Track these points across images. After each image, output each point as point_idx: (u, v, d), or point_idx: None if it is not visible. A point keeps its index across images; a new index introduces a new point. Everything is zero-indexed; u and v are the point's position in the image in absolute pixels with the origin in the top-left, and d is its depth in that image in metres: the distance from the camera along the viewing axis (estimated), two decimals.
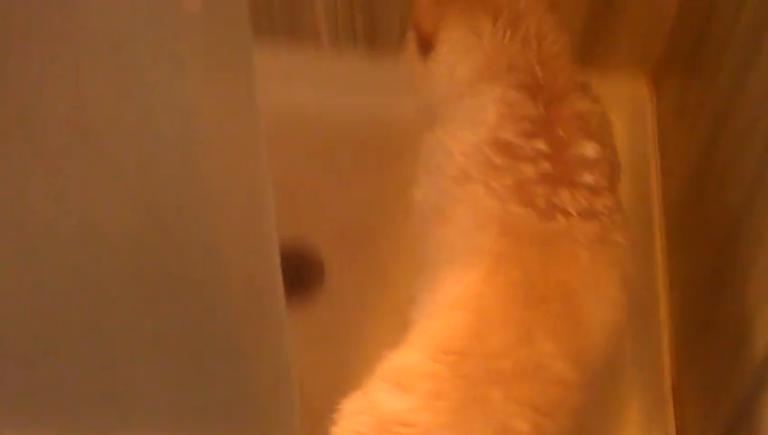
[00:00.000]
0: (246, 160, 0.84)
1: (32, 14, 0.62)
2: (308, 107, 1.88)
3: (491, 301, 1.00)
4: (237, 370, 1.06)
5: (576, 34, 1.86)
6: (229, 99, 0.76)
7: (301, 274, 1.72)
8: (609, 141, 1.20)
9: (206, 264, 0.89)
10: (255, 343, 1.04)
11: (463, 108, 1.17)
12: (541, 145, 1.08)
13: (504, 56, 1.15)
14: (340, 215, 1.69)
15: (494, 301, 1.00)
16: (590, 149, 1.11)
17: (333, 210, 1.70)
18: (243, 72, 0.75)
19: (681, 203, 1.61)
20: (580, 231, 1.06)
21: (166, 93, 0.69)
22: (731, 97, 1.37)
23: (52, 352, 0.99)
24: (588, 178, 1.09)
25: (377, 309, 1.68)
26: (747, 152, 1.25)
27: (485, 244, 1.04)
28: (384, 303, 1.67)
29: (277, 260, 0.96)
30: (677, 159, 1.67)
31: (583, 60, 1.89)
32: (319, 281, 1.72)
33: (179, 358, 1.03)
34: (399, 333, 1.06)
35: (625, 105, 1.94)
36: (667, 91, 1.84)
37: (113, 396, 1.07)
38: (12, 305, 0.92)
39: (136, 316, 0.95)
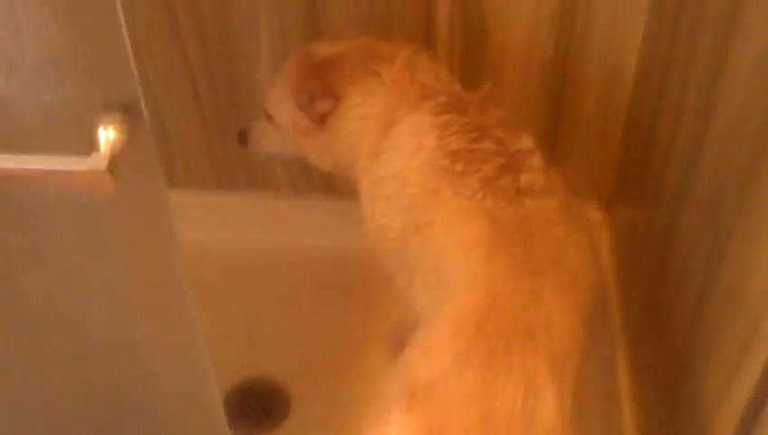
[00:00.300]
0: (178, 323, 0.86)
1: None
2: (269, 249, 1.97)
3: (496, 279, 1.14)
4: None
5: None
6: (155, 269, 0.78)
7: (268, 407, 1.80)
8: None
9: (151, 426, 0.90)
10: None
11: (392, 140, 1.31)
12: (489, 145, 1.26)
13: (415, 89, 1.32)
14: (303, 349, 1.73)
15: (499, 278, 1.14)
16: (526, 141, 1.30)
17: (297, 345, 1.74)
18: (165, 243, 0.77)
19: (639, 319, 1.64)
20: (547, 208, 1.23)
21: (94, 277, 0.73)
22: (674, 216, 1.43)
23: None
24: (535, 162, 1.28)
25: None
26: (693, 266, 1.30)
27: (475, 235, 1.18)
28: (350, 431, 1.69)
29: (221, 410, 0.97)
30: (634, 278, 1.72)
31: None
32: (285, 414, 1.78)
33: None
34: None
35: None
36: (620, 214, 1.91)
37: None
38: None
39: None
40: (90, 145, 0.59)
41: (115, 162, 0.58)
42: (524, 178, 1.24)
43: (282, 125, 1.48)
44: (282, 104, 1.45)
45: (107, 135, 0.58)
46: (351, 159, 1.39)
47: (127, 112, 0.58)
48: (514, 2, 1.66)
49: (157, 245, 0.72)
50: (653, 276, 1.56)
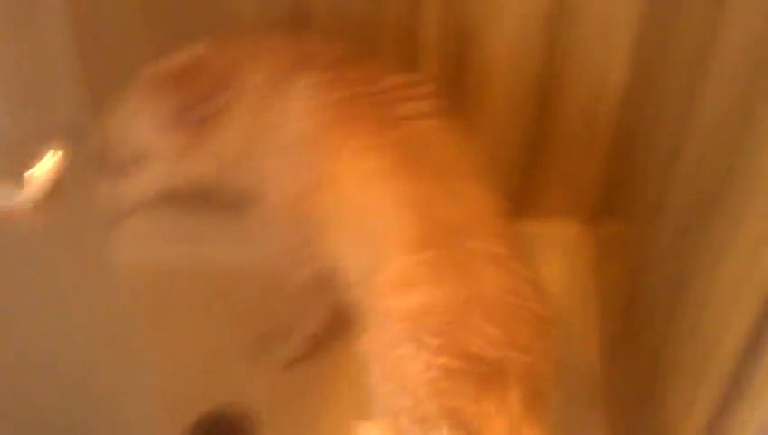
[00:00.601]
0: (124, 353, 0.86)
1: None
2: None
3: (415, 192, 1.22)
4: None
5: (514, 187, 1.95)
6: (97, 299, 0.77)
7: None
8: None
9: None
10: None
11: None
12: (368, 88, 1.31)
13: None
14: (272, 374, 1.69)
15: (422, 195, 1.22)
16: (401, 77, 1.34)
17: (266, 370, 1.71)
18: (106, 273, 0.77)
19: (617, 334, 1.65)
20: (429, 126, 1.30)
21: (38, 309, 0.73)
22: (649, 233, 1.44)
23: None
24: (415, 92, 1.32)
25: None
26: (665, 279, 1.32)
27: (383, 168, 1.24)
28: None
29: None
30: (612, 296, 1.73)
31: (523, 208, 1.99)
32: None
33: None
34: None
35: (564, 247, 2.02)
36: (603, 230, 1.91)
37: None
38: None
39: None
40: (25, 175, 0.59)
41: (47, 193, 0.57)
42: (403, 109, 1.30)
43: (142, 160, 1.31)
44: (141, 134, 1.30)
45: (43, 165, 0.58)
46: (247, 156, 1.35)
47: (65, 139, 0.59)
48: (502, 9, 1.65)
49: (98, 275, 0.72)
50: (629, 292, 1.57)
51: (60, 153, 0.58)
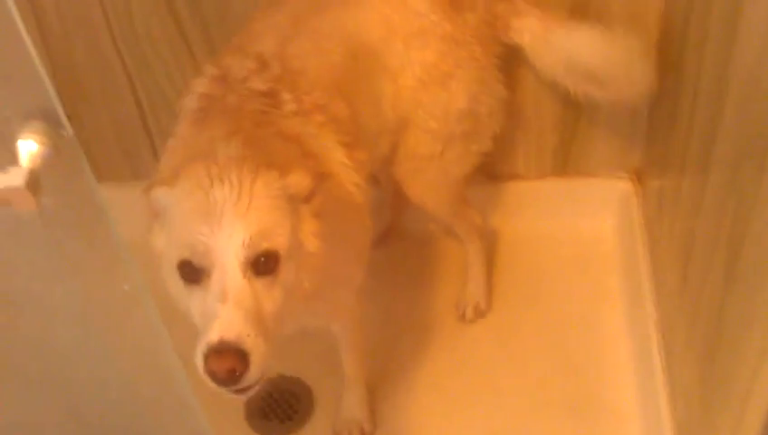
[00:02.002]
0: (143, 334, 0.83)
1: None
2: None
3: None
4: None
5: (559, 145, 1.91)
6: (107, 282, 0.76)
7: (291, 409, 1.79)
8: None
9: None
10: None
11: None
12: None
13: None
14: (327, 348, 1.69)
15: None
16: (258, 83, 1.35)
17: (321, 344, 1.71)
18: (111, 252, 0.74)
19: (672, 290, 1.58)
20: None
21: (47, 298, 0.70)
22: (699, 184, 1.37)
23: None
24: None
25: None
26: (720, 237, 1.24)
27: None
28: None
29: (200, 419, 0.94)
30: (665, 250, 1.66)
31: (569, 167, 1.95)
32: (309, 415, 1.78)
33: None
34: None
35: (613, 204, 1.97)
36: (650, 184, 1.85)
37: None
38: None
39: None
40: (11, 159, 0.57)
41: (35, 176, 0.55)
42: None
43: None
44: None
45: (28, 148, 0.56)
46: None
47: (46, 122, 0.56)
48: None
49: (102, 255, 0.69)
50: (682, 248, 1.50)
51: (38, 138, 0.55)
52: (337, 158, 1.35)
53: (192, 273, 1.07)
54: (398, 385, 1.79)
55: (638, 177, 1.94)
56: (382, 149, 1.53)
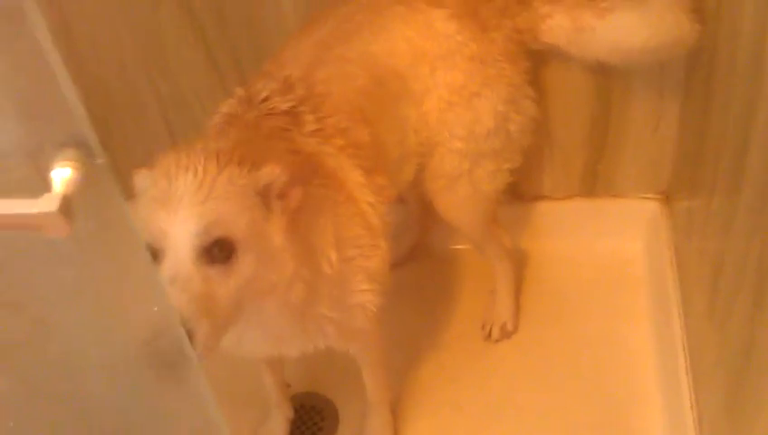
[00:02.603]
0: None
1: None
2: None
3: None
4: None
5: (587, 166, 1.91)
6: (137, 305, 0.77)
7: (316, 425, 1.80)
8: None
9: None
10: None
11: None
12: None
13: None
14: (350, 366, 1.69)
15: None
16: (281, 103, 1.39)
17: (345, 360, 1.72)
18: (141, 276, 0.75)
19: (700, 313, 1.57)
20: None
21: (78, 320, 0.72)
22: (729, 205, 1.36)
23: None
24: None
25: None
26: (749, 262, 1.23)
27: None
28: None
29: None
30: (693, 272, 1.64)
31: (598, 187, 1.95)
32: (334, 429, 1.78)
33: None
34: None
35: (641, 225, 1.96)
36: (679, 205, 1.84)
37: None
38: None
39: None
40: (45, 186, 0.58)
41: (68, 202, 0.56)
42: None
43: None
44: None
45: (61, 175, 0.57)
46: None
47: (79, 149, 0.57)
48: None
49: (133, 277, 0.71)
50: (711, 271, 1.48)
51: (72, 165, 0.57)
52: (353, 178, 1.37)
53: (153, 254, 1.12)
54: (423, 405, 1.79)
55: (667, 197, 1.93)
56: (406, 174, 1.55)
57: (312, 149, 1.34)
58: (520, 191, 1.94)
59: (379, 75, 1.45)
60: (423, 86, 1.49)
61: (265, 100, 1.37)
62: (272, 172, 1.18)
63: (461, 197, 1.63)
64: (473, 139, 1.54)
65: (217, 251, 1.13)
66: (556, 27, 1.60)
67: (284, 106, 1.36)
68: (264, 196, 1.19)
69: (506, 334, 1.88)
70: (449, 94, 1.50)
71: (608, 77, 1.74)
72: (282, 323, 1.33)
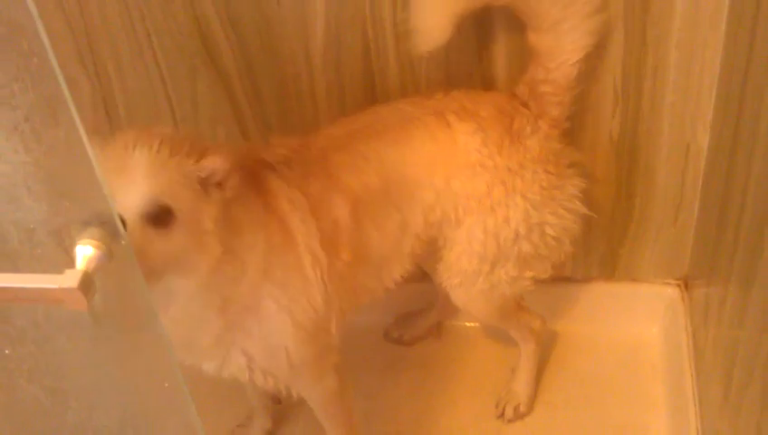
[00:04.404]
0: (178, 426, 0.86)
1: None
2: None
3: None
4: None
5: (607, 251, 1.93)
6: (150, 377, 0.79)
7: None
8: None
9: None
10: None
11: None
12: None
13: None
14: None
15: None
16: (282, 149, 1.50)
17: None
18: (157, 351, 0.78)
19: (715, 402, 1.56)
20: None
21: (92, 387, 0.76)
22: (744, 294, 1.36)
23: None
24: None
25: None
26: (762, 353, 1.23)
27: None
28: None
29: None
30: (709, 359, 1.64)
31: (618, 272, 1.96)
32: None
33: None
34: None
35: (659, 310, 1.96)
36: (697, 292, 1.84)
37: None
38: None
39: None
40: (69, 262, 0.62)
41: (88, 279, 0.60)
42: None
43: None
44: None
45: (84, 252, 0.61)
46: None
47: (103, 229, 0.61)
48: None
49: (148, 353, 0.73)
50: (726, 360, 1.48)
51: (94, 243, 0.61)
52: (302, 228, 1.45)
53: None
54: None
55: (686, 284, 1.93)
56: (395, 272, 1.60)
57: (279, 190, 1.45)
58: None
59: (386, 178, 1.51)
60: (434, 195, 1.53)
61: (276, 144, 1.50)
62: (214, 162, 1.30)
63: (478, 291, 1.63)
64: (494, 243, 1.56)
65: (160, 217, 1.25)
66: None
67: (283, 151, 1.49)
68: (204, 184, 1.31)
69: (519, 416, 1.88)
70: (467, 201, 1.54)
71: (631, 165, 1.78)
72: (192, 310, 1.37)
